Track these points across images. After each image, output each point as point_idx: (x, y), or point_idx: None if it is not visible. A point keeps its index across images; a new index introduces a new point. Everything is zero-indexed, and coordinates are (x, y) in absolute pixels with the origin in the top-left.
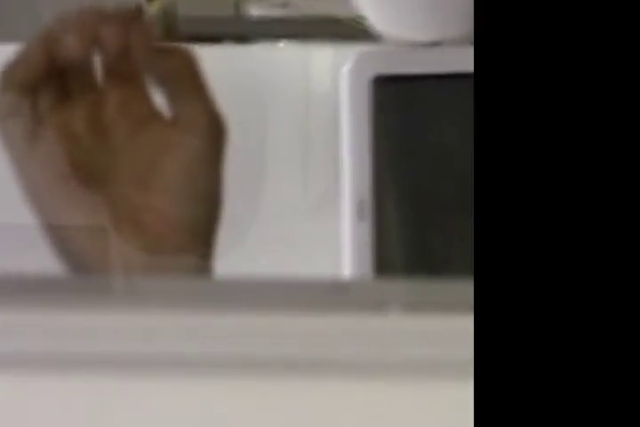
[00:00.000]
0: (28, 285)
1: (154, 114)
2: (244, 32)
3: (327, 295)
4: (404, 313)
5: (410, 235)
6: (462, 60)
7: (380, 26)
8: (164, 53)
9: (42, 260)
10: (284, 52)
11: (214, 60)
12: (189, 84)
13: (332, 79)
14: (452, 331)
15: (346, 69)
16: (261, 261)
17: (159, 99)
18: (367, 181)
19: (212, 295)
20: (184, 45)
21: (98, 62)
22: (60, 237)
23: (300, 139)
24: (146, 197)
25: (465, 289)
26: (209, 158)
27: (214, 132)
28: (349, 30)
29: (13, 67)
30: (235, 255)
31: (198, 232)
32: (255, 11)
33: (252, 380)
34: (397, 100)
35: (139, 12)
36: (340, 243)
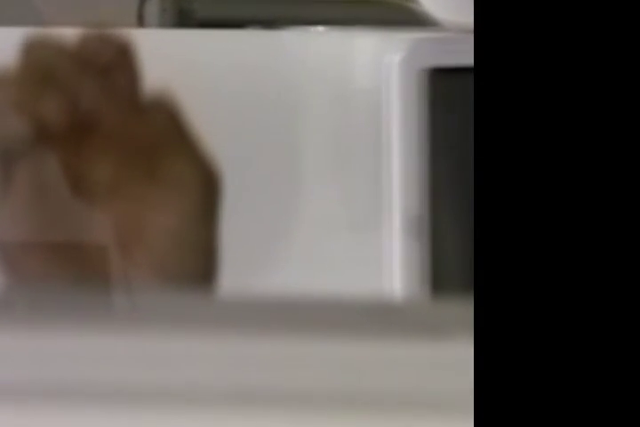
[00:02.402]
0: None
1: (139, 167)
2: (272, 16)
3: (378, 319)
4: (466, 339)
5: (470, 253)
6: None
7: (437, 9)
8: (145, 109)
9: None
10: (320, 39)
11: (235, 50)
12: (175, 141)
13: (376, 72)
14: None
15: (396, 60)
16: (298, 282)
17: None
18: (421, 194)
19: (240, 317)
20: (167, 98)
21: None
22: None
23: (338, 142)
24: (130, 251)
25: None
26: (199, 216)
27: (204, 189)
28: (398, 14)
29: None
30: (270, 276)
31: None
32: None
33: (282, 415)
34: (457, 97)
35: (124, 53)
36: (386, 262)
